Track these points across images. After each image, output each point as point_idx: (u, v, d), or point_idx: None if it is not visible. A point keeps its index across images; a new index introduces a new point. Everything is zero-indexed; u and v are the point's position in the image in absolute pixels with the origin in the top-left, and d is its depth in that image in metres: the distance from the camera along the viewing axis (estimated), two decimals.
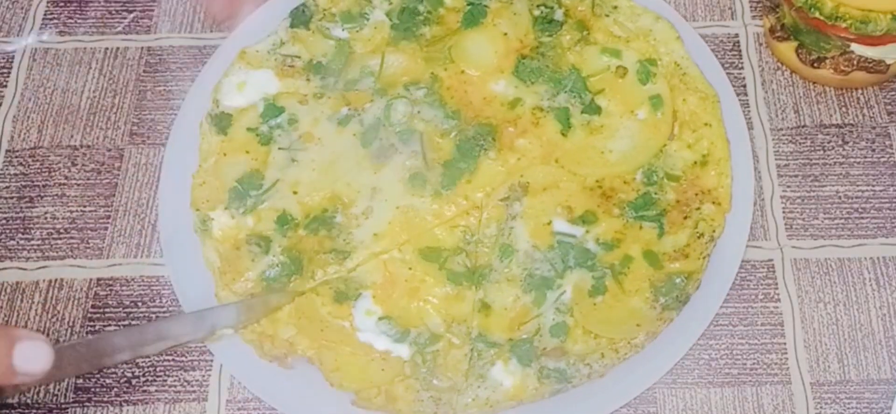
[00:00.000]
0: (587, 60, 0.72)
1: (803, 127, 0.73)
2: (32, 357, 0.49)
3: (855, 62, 0.71)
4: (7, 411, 0.64)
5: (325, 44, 0.74)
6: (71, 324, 0.67)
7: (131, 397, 0.64)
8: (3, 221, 0.71)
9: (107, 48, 0.77)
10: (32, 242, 0.70)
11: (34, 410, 0.64)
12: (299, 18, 0.75)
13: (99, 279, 0.69)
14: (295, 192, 0.67)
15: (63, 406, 0.64)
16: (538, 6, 0.74)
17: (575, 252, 0.65)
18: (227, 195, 0.67)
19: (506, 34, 0.73)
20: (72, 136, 0.74)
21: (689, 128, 0.70)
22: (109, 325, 0.67)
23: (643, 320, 0.63)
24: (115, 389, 0.65)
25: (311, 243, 0.66)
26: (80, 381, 0.65)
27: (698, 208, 0.67)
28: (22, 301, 0.68)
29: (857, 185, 0.71)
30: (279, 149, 0.69)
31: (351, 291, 0.64)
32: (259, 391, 0.63)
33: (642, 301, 0.64)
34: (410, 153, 0.68)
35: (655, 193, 0.67)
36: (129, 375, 0.65)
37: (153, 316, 0.67)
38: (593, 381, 0.62)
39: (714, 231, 0.66)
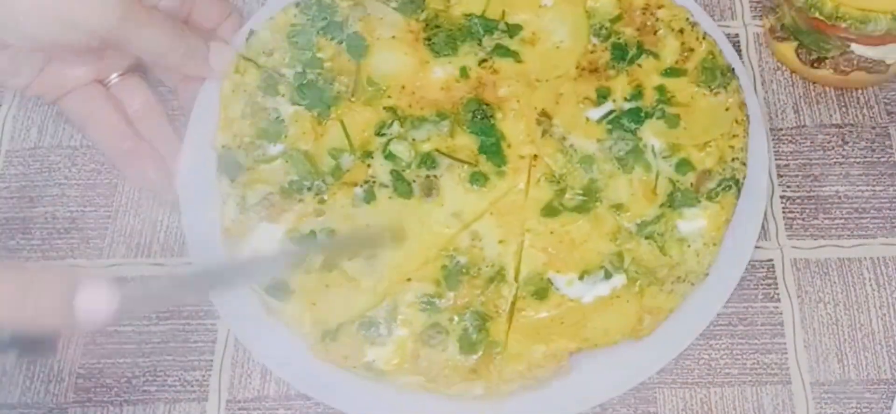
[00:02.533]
0: (469, 2, 0.74)
1: (803, 127, 0.73)
2: (96, 305, 0.45)
3: (855, 62, 0.72)
4: (7, 411, 0.64)
5: (275, 168, 0.68)
6: None
7: (131, 397, 0.64)
8: (3, 221, 0.71)
9: None
10: (32, 242, 0.70)
11: (34, 410, 0.64)
12: (231, 169, 0.67)
13: None
14: (409, 279, 0.64)
15: (63, 406, 0.64)
16: None
17: (624, 117, 0.68)
18: (358, 329, 0.63)
19: (394, 37, 0.72)
20: (72, 136, 0.74)
21: None
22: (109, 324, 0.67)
23: (723, 106, 0.69)
24: (115, 389, 0.65)
25: (468, 293, 0.63)
26: (80, 380, 0.65)
27: (656, 19, 0.72)
28: None
29: (857, 186, 0.71)
30: (349, 260, 0.64)
31: (539, 284, 0.64)
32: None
33: (705, 95, 0.69)
34: (447, 167, 0.67)
35: (618, 39, 0.72)
36: (129, 374, 0.65)
37: (154, 315, 0.67)
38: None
39: (686, 18, 0.72)
